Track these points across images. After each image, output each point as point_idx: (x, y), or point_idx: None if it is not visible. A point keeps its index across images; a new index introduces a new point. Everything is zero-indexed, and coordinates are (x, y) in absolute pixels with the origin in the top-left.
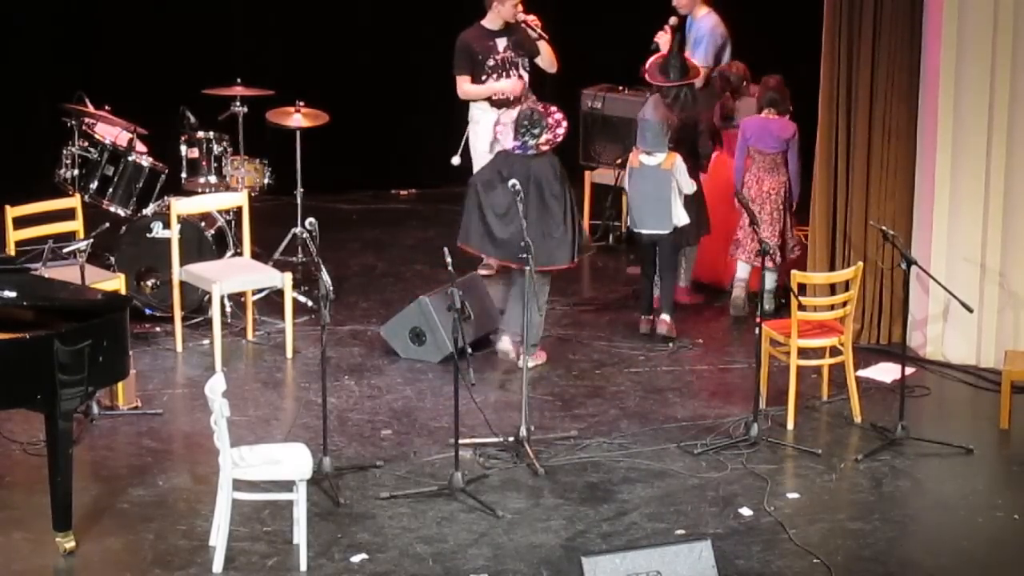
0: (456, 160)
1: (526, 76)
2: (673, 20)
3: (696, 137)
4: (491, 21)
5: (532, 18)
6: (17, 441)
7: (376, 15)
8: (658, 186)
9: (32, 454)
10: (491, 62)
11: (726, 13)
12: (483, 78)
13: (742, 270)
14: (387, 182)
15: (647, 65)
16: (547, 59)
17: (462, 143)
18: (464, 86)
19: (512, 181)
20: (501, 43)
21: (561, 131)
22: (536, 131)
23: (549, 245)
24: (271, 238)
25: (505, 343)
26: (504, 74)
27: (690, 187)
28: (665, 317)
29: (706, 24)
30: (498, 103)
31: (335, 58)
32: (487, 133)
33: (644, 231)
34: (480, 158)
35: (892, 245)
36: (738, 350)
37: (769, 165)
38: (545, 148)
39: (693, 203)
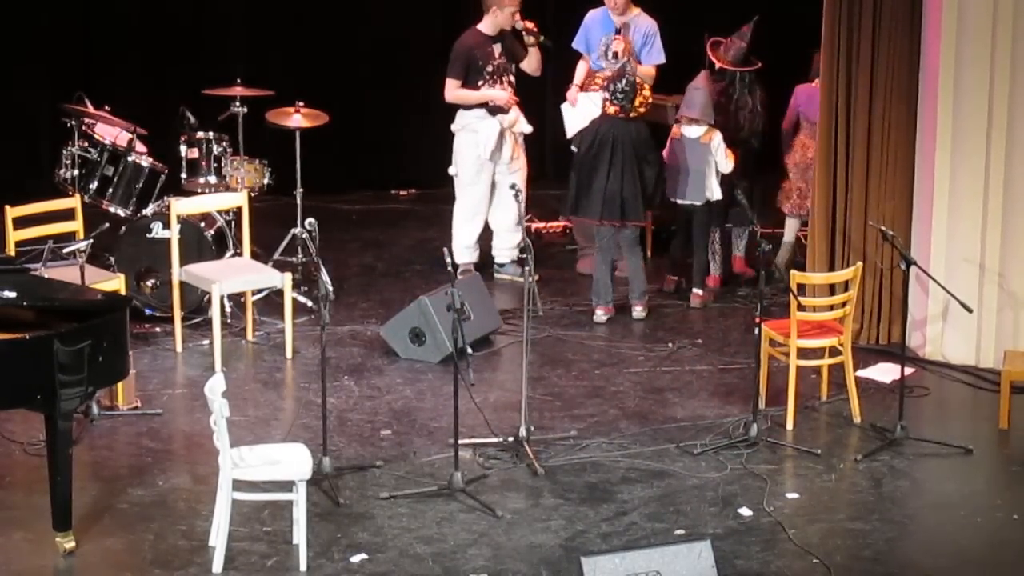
0: (453, 170)
1: (513, 84)
2: (753, 19)
3: (739, 122)
4: (488, 26)
5: (530, 24)
6: (17, 441)
7: (376, 15)
8: (696, 158)
9: (32, 454)
10: (489, 68)
11: (726, 13)
12: (479, 84)
13: (789, 230)
14: (386, 182)
15: (717, 48)
16: (534, 63)
17: (453, 152)
18: (455, 90)
19: (512, 182)
20: (497, 49)
21: (648, 96)
22: (632, 96)
23: (639, 204)
24: (271, 238)
25: (600, 315)
26: (498, 80)
27: (727, 166)
28: (697, 291)
29: (645, 22)
30: (493, 110)
31: (335, 59)
32: (488, 140)
33: (680, 201)
34: (474, 166)
35: (891, 245)
36: (737, 350)
37: (815, 133)
38: (642, 111)
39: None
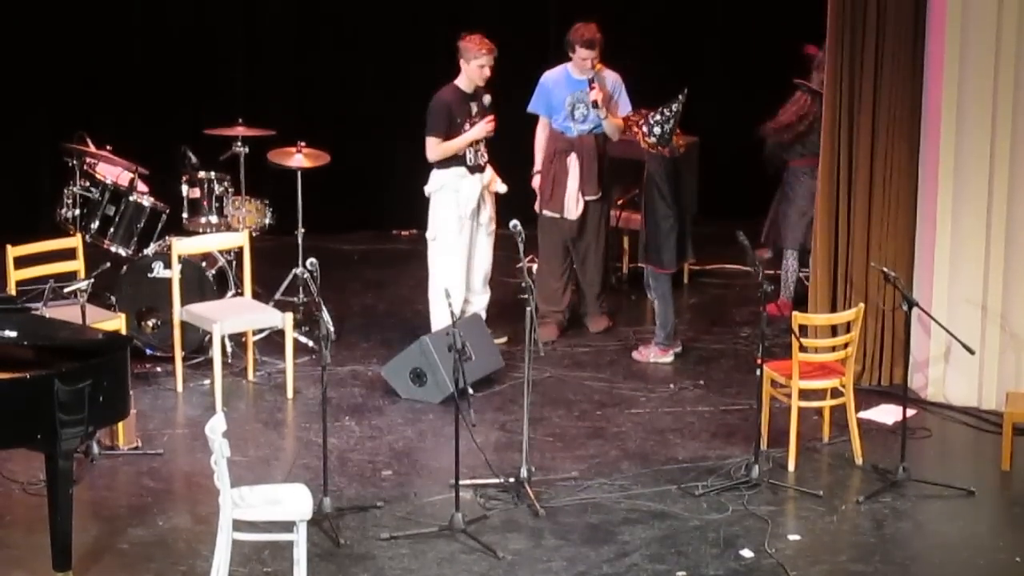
0: (431, 234)
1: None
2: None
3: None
4: (464, 82)
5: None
6: (17, 480)
7: (377, 56)
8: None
9: (32, 493)
10: (467, 126)
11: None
12: None
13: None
14: (388, 223)
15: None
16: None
17: (430, 215)
18: (438, 146)
19: (513, 222)
20: (473, 107)
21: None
22: (673, 133)
23: (686, 242)
24: (272, 278)
25: (672, 355)
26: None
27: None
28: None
29: (611, 75)
30: (472, 168)
31: (336, 99)
32: (469, 199)
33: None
34: (456, 225)
35: (893, 286)
36: (739, 391)
37: None
38: (682, 150)
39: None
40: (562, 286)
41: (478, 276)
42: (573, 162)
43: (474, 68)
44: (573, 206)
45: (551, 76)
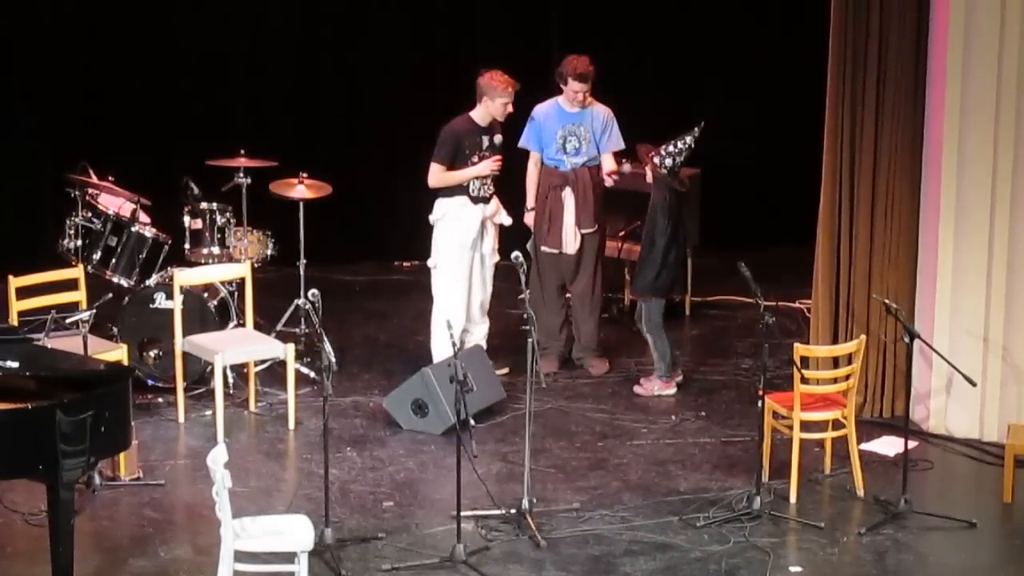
0: (432, 262)
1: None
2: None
3: None
4: (480, 115)
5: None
6: (19, 511)
7: (379, 87)
8: None
9: (34, 524)
10: (475, 157)
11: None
12: None
13: None
14: (389, 254)
15: None
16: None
17: (432, 243)
18: (441, 174)
19: (515, 254)
20: (485, 140)
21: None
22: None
23: (679, 274)
24: (274, 309)
25: (675, 386)
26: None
27: None
28: None
29: (602, 110)
30: (475, 198)
31: (338, 130)
32: (471, 229)
33: None
34: (457, 254)
35: (895, 318)
36: (740, 422)
37: None
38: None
39: None
40: (561, 321)
41: (477, 305)
42: (568, 196)
43: (498, 106)
44: (571, 240)
45: (541, 109)
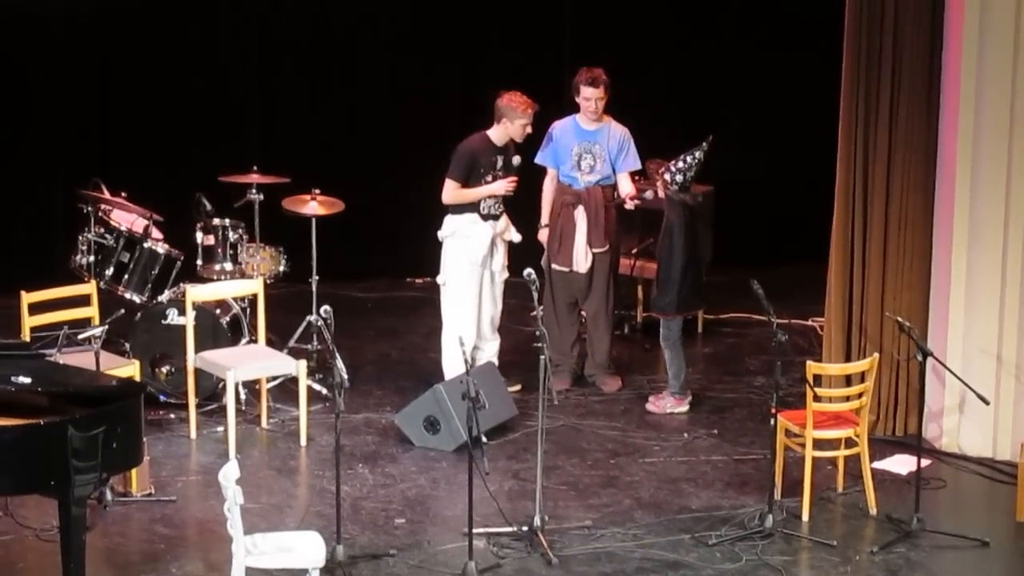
0: (441, 279)
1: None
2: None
3: None
4: (497, 135)
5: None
6: (30, 527)
7: (391, 105)
8: None
9: (45, 540)
10: (489, 176)
11: (746, 105)
12: None
13: None
14: (402, 270)
15: None
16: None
17: (442, 260)
18: (454, 191)
19: (528, 271)
20: (500, 160)
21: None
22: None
23: (698, 290)
24: (286, 325)
25: (687, 404)
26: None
27: None
28: None
29: (619, 129)
30: (485, 216)
31: (350, 146)
32: (481, 246)
33: None
34: (466, 271)
35: (908, 336)
36: (753, 440)
37: None
38: (700, 200)
39: None
40: (573, 338)
41: (487, 322)
42: (580, 215)
43: (517, 128)
44: (582, 259)
45: (559, 125)
